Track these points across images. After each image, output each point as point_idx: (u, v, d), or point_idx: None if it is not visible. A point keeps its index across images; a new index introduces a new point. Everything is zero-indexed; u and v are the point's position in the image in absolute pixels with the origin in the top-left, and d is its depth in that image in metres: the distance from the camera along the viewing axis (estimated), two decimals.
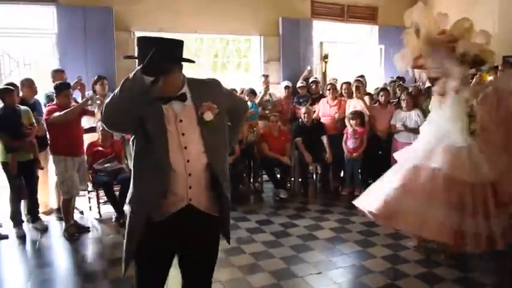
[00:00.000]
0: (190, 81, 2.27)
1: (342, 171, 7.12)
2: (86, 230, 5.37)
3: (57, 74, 6.02)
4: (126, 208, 2.35)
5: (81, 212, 6.01)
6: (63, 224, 5.25)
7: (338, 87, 7.45)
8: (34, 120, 5.26)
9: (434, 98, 4.45)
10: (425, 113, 5.88)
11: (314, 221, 5.63)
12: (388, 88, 7.46)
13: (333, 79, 8.22)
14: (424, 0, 8.98)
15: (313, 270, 4.18)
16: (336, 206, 6.29)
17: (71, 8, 7.02)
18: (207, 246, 2.39)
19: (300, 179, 7.15)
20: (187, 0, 7.79)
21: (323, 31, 9.20)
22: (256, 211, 6.05)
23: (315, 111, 7.24)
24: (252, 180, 7.23)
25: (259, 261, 4.36)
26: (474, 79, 5.67)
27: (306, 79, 8.11)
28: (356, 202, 4.36)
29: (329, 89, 7.26)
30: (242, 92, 7.29)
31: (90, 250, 4.91)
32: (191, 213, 2.25)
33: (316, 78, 8.21)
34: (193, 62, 2.35)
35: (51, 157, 5.33)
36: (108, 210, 5.88)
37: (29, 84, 5.54)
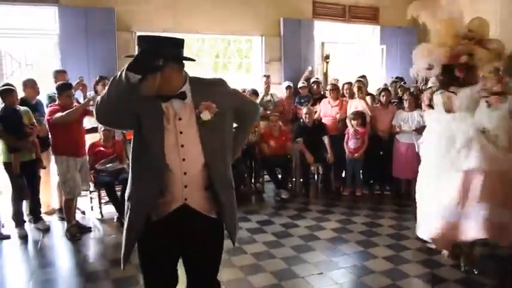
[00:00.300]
0: (193, 80, 2.27)
1: (343, 172, 7.11)
2: (88, 230, 5.38)
3: (59, 74, 6.03)
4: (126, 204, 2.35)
5: (83, 212, 6.02)
6: (65, 224, 5.26)
7: (339, 88, 7.44)
8: (34, 120, 5.27)
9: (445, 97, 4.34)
10: None
11: (315, 221, 5.63)
12: (390, 88, 7.45)
13: (334, 79, 8.22)
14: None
15: (314, 270, 4.18)
16: (337, 206, 6.29)
17: (72, 8, 7.04)
18: (206, 247, 2.36)
19: (301, 180, 7.15)
20: (189, 1, 7.80)
21: (324, 31, 9.20)
22: (257, 211, 6.06)
23: (316, 112, 7.25)
24: (253, 180, 7.23)
25: (261, 262, 4.36)
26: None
27: (307, 79, 8.11)
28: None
29: (330, 90, 7.26)
30: (244, 93, 7.28)
31: (92, 250, 4.91)
32: (187, 213, 2.24)
33: (317, 78, 8.21)
34: (192, 60, 2.30)
35: (53, 157, 5.34)
36: (110, 210, 5.88)
37: (31, 84, 5.55)
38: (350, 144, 6.82)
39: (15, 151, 5.04)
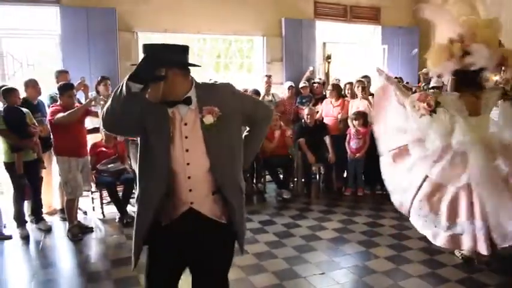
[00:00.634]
0: (199, 85, 2.27)
1: (345, 172, 7.11)
2: (90, 230, 5.38)
3: (60, 74, 6.03)
4: (132, 208, 2.37)
5: (85, 213, 6.02)
6: (67, 224, 5.26)
7: (340, 88, 7.44)
8: (34, 121, 5.28)
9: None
10: None
11: (317, 221, 5.63)
12: None
13: (336, 79, 8.22)
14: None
15: (316, 270, 4.17)
16: (339, 206, 6.28)
17: (74, 8, 7.04)
18: (215, 251, 2.32)
19: (303, 180, 7.15)
20: (190, 1, 7.80)
21: (326, 31, 9.20)
22: (259, 211, 6.05)
23: (318, 112, 7.24)
24: (255, 180, 7.23)
25: (262, 262, 4.36)
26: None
27: (309, 80, 8.11)
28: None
29: (330, 90, 7.25)
30: (246, 93, 7.28)
31: (93, 250, 4.91)
32: (195, 217, 2.24)
33: (321, 79, 8.21)
34: (197, 66, 2.32)
35: (55, 158, 5.35)
36: (112, 210, 5.88)
37: (32, 85, 5.55)
38: (352, 144, 6.82)
39: (18, 151, 5.05)
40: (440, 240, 3.95)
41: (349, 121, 6.90)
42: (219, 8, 7.97)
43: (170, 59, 2.14)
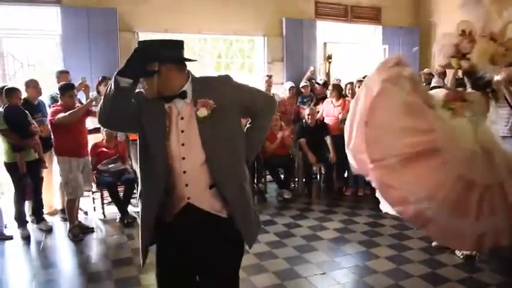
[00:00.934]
0: (196, 79, 2.27)
1: (346, 172, 7.10)
2: (90, 230, 5.38)
3: (61, 75, 6.04)
4: (133, 208, 2.37)
5: (86, 213, 6.03)
6: (68, 224, 5.26)
7: (341, 88, 7.43)
8: (34, 122, 5.28)
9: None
10: None
11: (318, 221, 5.63)
12: None
13: (336, 79, 8.21)
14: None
15: (317, 270, 4.17)
16: (340, 206, 6.28)
17: (74, 9, 7.05)
18: (216, 249, 2.28)
19: (303, 180, 7.14)
20: (191, 1, 7.80)
21: (326, 31, 9.19)
22: (260, 211, 6.00)
23: (318, 112, 7.24)
24: (255, 180, 7.23)
25: (263, 262, 4.36)
26: None
27: (310, 80, 8.11)
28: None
29: (330, 90, 7.25)
30: None
31: (94, 251, 4.92)
32: (193, 213, 2.22)
33: (321, 79, 8.21)
34: (190, 60, 2.28)
35: (55, 158, 5.35)
36: (113, 210, 5.89)
37: (33, 85, 5.55)
38: None
39: (19, 150, 5.05)
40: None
41: None
42: (220, 8, 7.97)
43: (161, 54, 2.14)
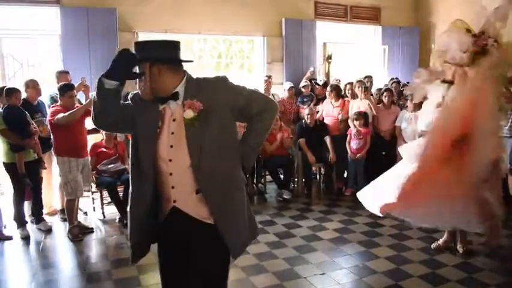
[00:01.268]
0: (191, 80, 2.24)
1: (345, 172, 7.11)
2: (90, 230, 5.38)
3: (61, 75, 6.04)
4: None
5: (85, 213, 6.02)
6: (67, 225, 5.26)
7: (340, 88, 7.43)
8: (33, 122, 5.28)
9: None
10: None
11: (317, 221, 5.63)
12: (392, 88, 7.45)
13: (336, 80, 8.22)
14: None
15: (316, 271, 4.17)
16: (340, 206, 6.28)
17: (74, 9, 7.05)
18: (200, 255, 2.24)
19: (303, 180, 7.14)
20: (191, 2, 7.81)
21: (326, 32, 9.21)
22: (259, 212, 6.04)
23: (318, 112, 7.24)
24: (255, 181, 7.23)
25: (263, 262, 4.35)
26: None
27: (310, 80, 8.11)
28: (361, 198, 4.24)
29: (329, 91, 7.25)
30: None
31: (94, 251, 4.91)
32: (180, 217, 2.21)
33: (321, 80, 8.21)
34: (184, 61, 2.26)
35: (55, 158, 5.35)
36: (112, 211, 5.89)
37: (33, 85, 5.54)
38: (352, 144, 6.82)
39: (18, 151, 5.05)
40: None
41: (349, 121, 6.90)
42: (220, 8, 7.98)
43: (152, 55, 2.14)
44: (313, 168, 7.24)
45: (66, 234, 5.22)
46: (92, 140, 5.89)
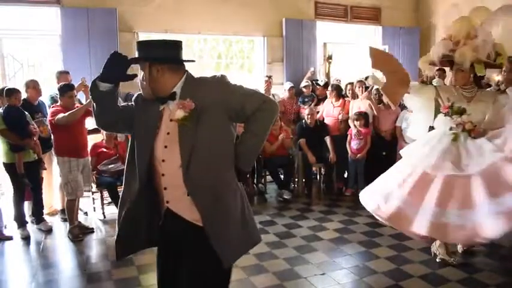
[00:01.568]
0: (189, 80, 2.22)
1: (346, 172, 7.11)
2: (90, 231, 5.38)
3: (61, 75, 6.04)
4: None
5: (86, 213, 6.03)
6: (68, 225, 5.26)
7: (340, 88, 7.43)
8: (33, 123, 5.29)
9: None
10: None
11: (318, 221, 5.63)
12: None
13: (336, 80, 8.21)
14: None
15: (317, 271, 4.17)
16: (340, 206, 6.28)
17: (74, 9, 7.05)
18: (190, 257, 2.22)
19: (303, 180, 7.14)
20: (191, 2, 7.80)
21: (326, 32, 9.19)
22: (259, 212, 6.05)
23: (318, 112, 7.24)
24: (255, 181, 7.23)
25: (263, 262, 4.35)
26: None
27: (311, 80, 8.11)
28: (362, 200, 4.22)
29: (330, 91, 7.25)
30: None
31: (94, 251, 4.92)
32: (173, 219, 2.21)
33: (323, 80, 8.20)
34: (183, 61, 2.25)
35: (55, 158, 5.35)
36: (112, 211, 5.88)
37: (33, 85, 5.55)
38: (353, 144, 6.82)
39: (18, 151, 5.05)
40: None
41: (350, 121, 6.90)
42: (220, 9, 7.97)
43: (150, 55, 2.16)
44: (314, 169, 7.24)
45: (66, 234, 5.22)
46: (92, 140, 5.90)
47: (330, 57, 9.08)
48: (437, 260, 4.24)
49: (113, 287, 3.94)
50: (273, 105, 2.30)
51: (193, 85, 2.20)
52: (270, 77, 7.89)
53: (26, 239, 5.14)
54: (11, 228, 5.31)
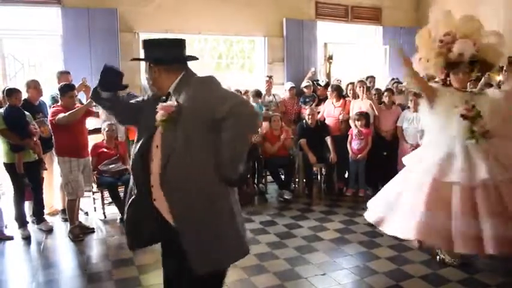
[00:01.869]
0: (183, 80, 2.23)
1: (346, 172, 7.10)
2: (91, 231, 5.38)
3: (62, 75, 6.05)
4: None
5: (86, 213, 6.02)
6: (68, 225, 5.26)
7: (341, 89, 7.43)
8: (34, 123, 5.28)
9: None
10: None
11: (318, 222, 5.62)
12: (393, 88, 7.44)
13: (337, 80, 8.21)
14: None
15: (317, 271, 4.17)
16: (340, 207, 6.28)
17: (75, 9, 7.06)
18: (179, 258, 2.23)
19: (304, 180, 7.14)
20: (192, 2, 7.81)
21: (327, 32, 9.20)
22: (260, 212, 6.05)
23: (319, 112, 7.24)
24: (256, 181, 7.22)
25: (264, 262, 4.35)
26: (482, 79, 5.53)
27: (312, 81, 8.11)
28: (378, 224, 4.24)
29: (330, 91, 7.25)
30: (246, 93, 7.27)
31: (94, 251, 4.92)
32: (160, 217, 2.25)
33: (324, 80, 8.21)
34: (182, 61, 2.27)
35: (56, 158, 5.35)
36: (113, 211, 5.89)
37: (34, 85, 5.55)
38: (353, 144, 6.81)
39: (18, 151, 5.05)
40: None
41: (350, 122, 6.89)
42: (221, 9, 7.98)
43: (148, 56, 2.25)
44: (314, 169, 7.23)
45: (67, 234, 5.22)
46: (92, 140, 5.90)
47: (330, 57, 9.08)
48: (437, 260, 4.23)
49: (114, 287, 3.94)
50: (243, 109, 2.14)
51: (183, 86, 2.21)
52: (270, 77, 7.90)
53: (27, 239, 5.13)
54: (12, 228, 5.31)
